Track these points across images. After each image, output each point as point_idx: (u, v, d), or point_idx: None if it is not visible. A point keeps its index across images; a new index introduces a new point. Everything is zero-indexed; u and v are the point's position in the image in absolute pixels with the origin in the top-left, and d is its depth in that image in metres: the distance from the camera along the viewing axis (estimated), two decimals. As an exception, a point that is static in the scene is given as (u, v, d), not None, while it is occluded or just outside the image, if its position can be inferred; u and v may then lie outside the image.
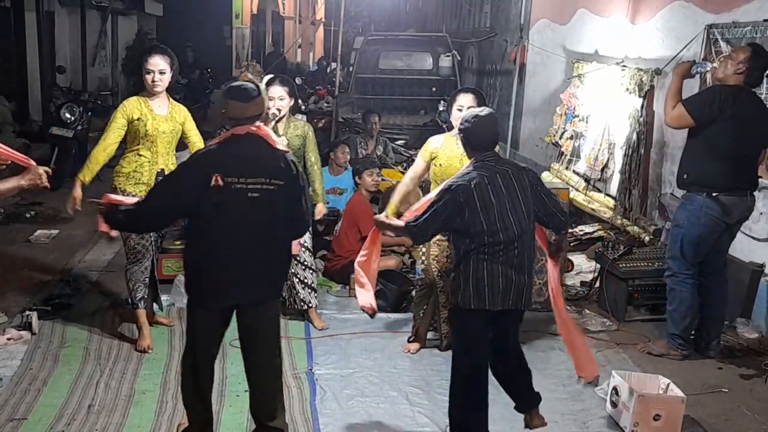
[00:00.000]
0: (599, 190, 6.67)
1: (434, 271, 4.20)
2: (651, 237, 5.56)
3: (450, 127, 4.19)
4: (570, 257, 5.16)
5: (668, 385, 3.62)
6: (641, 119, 5.89)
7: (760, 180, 4.32)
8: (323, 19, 22.42)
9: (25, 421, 3.39)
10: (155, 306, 4.58)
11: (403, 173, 7.49)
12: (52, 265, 5.65)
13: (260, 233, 2.93)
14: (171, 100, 4.28)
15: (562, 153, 7.29)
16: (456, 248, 3.22)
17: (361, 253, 3.53)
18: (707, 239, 4.23)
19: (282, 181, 2.94)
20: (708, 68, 4.32)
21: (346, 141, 7.47)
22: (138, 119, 4.08)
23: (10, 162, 3.24)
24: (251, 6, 16.08)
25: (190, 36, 15.99)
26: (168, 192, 3.03)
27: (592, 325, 4.83)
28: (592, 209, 6.53)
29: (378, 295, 5.00)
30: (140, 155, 4.13)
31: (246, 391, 3.67)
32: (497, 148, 3.48)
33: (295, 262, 4.46)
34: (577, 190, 6.80)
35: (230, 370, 3.91)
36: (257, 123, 2.99)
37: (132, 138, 4.13)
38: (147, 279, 4.25)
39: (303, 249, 4.45)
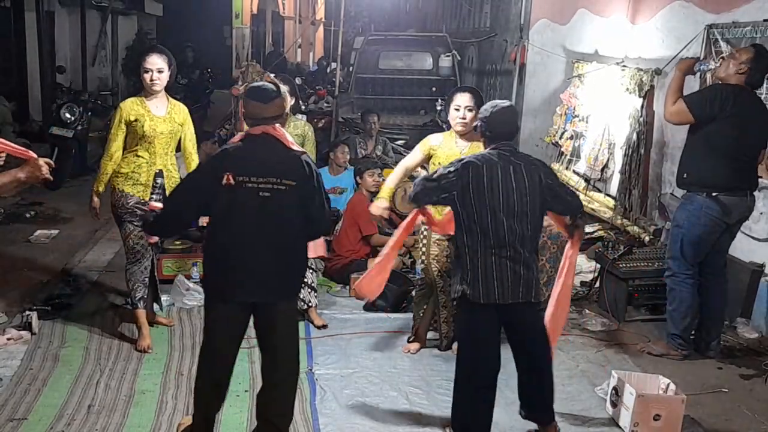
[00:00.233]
0: (599, 190, 6.67)
1: (434, 270, 4.20)
2: (651, 237, 5.56)
3: (449, 127, 4.19)
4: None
5: (668, 385, 3.62)
6: (641, 119, 5.89)
7: (760, 180, 4.32)
8: (323, 19, 22.40)
9: (25, 421, 3.39)
10: (155, 306, 4.58)
11: (403, 173, 7.51)
12: (52, 265, 5.65)
13: (272, 233, 2.94)
14: (171, 100, 4.27)
15: (562, 153, 7.28)
16: (460, 239, 3.19)
17: (384, 252, 3.54)
18: (707, 239, 4.23)
19: (294, 182, 2.94)
20: (711, 66, 4.32)
21: (345, 141, 7.47)
22: (135, 120, 4.08)
23: (5, 155, 3.19)
24: (251, 6, 16.05)
25: (190, 36, 15.97)
26: (186, 190, 3.13)
27: (592, 325, 4.83)
28: (592, 209, 6.52)
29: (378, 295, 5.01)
30: (138, 156, 4.13)
31: (246, 391, 3.69)
32: None
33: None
34: (577, 190, 6.79)
35: (230, 370, 3.91)
36: (275, 124, 3.02)
37: (130, 139, 4.13)
38: (146, 279, 4.25)
39: None
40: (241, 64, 8.48)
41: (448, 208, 3.38)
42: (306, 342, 4.42)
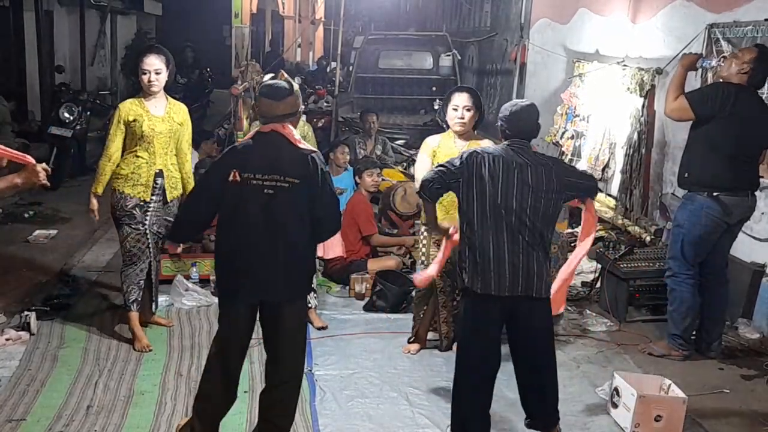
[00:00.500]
0: (600, 190, 6.62)
1: (434, 270, 4.18)
2: (652, 237, 5.55)
3: (449, 127, 4.17)
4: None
5: (669, 385, 3.61)
6: (642, 119, 5.87)
7: (761, 180, 4.31)
8: (323, 19, 22.41)
9: (23, 421, 3.38)
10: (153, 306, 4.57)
11: (403, 173, 7.51)
12: (50, 265, 5.64)
13: (277, 231, 2.94)
14: (170, 99, 4.25)
15: (563, 153, 7.26)
16: (461, 228, 3.18)
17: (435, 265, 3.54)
18: (708, 239, 4.22)
19: (297, 180, 2.94)
20: (713, 64, 4.31)
21: (345, 141, 7.46)
22: (134, 121, 4.06)
23: (6, 163, 3.19)
24: (251, 5, 16.04)
25: (190, 35, 15.96)
26: (199, 191, 3.16)
27: (593, 325, 4.82)
28: (593, 209, 6.51)
29: (378, 295, 5.01)
30: (138, 156, 4.11)
31: (246, 391, 3.68)
32: None
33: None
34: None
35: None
36: (287, 121, 3.02)
37: (130, 140, 4.12)
38: (141, 282, 4.23)
39: None
40: (240, 63, 8.46)
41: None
42: (306, 343, 4.40)
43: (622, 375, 3.65)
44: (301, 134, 4.52)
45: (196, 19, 18.97)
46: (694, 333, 4.43)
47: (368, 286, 5.19)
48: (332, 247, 3.28)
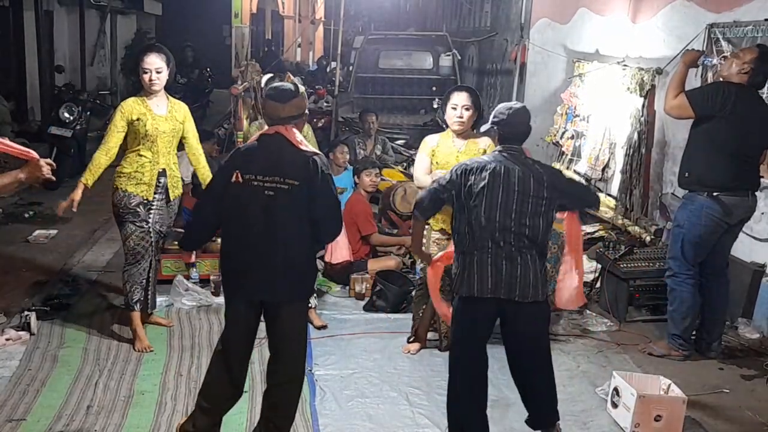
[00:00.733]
0: (600, 190, 6.65)
1: (434, 270, 4.19)
2: (652, 237, 5.55)
3: (448, 126, 4.17)
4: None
5: (669, 385, 3.61)
6: (642, 119, 5.87)
7: (761, 180, 4.30)
8: (323, 18, 22.40)
9: (23, 421, 3.38)
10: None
11: (403, 173, 7.51)
12: (50, 265, 5.64)
13: (277, 232, 2.95)
14: (170, 98, 4.25)
15: (563, 153, 7.27)
16: (454, 236, 3.24)
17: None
18: (708, 239, 4.22)
19: (297, 182, 2.95)
20: (714, 62, 4.30)
21: (345, 141, 7.46)
22: (137, 120, 4.05)
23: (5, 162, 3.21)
24: (251, 5, 16.04)
25: (190, 35, 15.98)
26: (208, 192, 3.19)
27: (593, 325, 4.82)
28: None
29: (378, 295, 5.01)
30: (141, 155, 4.11)
31: (246, 391, 3.66)
32: None
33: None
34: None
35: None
36: (292, 124, 3.04)
37: (132, 139, 4.11)
38: (144, 281, 4.23)
39: None
40: (240, 63, 8.45)
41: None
42: (306, 343, 4.40)
43: (622, 375, 3.65)
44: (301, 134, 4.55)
45: (196, 19, 18.97)
46: (694, 333, 4.43)
47: (368, 286, 5.19)
48: (339, 251, 3.27)
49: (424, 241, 4.20)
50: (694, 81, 4.97)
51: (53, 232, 6.44)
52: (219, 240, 3.20)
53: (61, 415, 3.45)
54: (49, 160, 3.20)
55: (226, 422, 3.39)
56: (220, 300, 4.75)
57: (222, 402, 3.15)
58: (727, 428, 3.65)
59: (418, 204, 3.28)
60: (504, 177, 3.11)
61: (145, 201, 4.12)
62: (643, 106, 5.87)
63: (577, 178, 6.92)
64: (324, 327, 4.62)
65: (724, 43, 5.03)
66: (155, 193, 4.14)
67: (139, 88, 4.21)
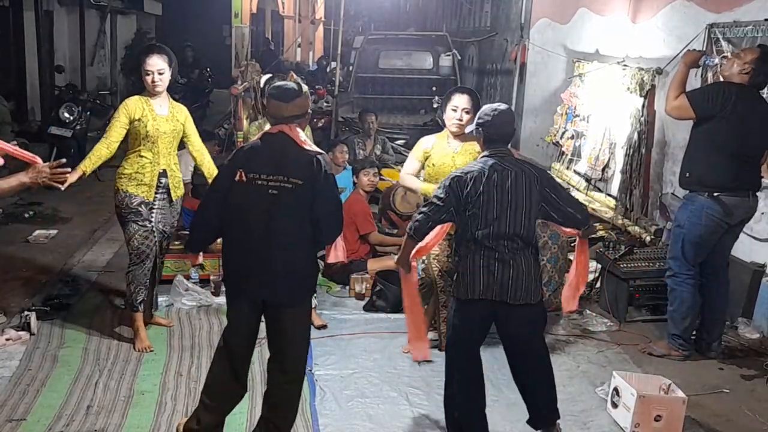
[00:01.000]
0: (600, 190, 6.65)
1: (435, 270, 4.19)
2: (652, 237, 5.55)
3: (445, 125, 4.18)
4: (571, 257, 5.14)
5: (669, 385, 3.61)
6: (642, 119, 5.87)
7: (762, 180, 4.30)
8: (323, 18, 22.39)
9: (24, 421, 3.38)
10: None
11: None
12: (50, 265, 5.63)
13: (280, 231, 2.95)
14: (171, 99, 4.25)
15: (563, 153, 7.27)
16: (456, 242, 3.25)
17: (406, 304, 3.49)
18: (708, 239, 4.22)
19: (300, 181, 2.95)
20: (716, 62, 4.30)
21: (344, 141, 7.46)
22: (139, 119, 4.05)
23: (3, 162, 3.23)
24: (251, 5, 16.04)
25: (190, 35, 15.97)
26: (212, 192, 3.16)
27: (593, 325, 4.82)
28: (593, 209, 6.50)
29: (378, 295, 5.01)
30: (142, 156, 4.10)
31: (246, 391, 3.66)
32: None
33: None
34: (578, 190, 6.78)
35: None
36: (295, 123, 3.03)
37: (133, 139, 4.11)
38: (148, 281, 4.23)
39: None
40: (240, 63, 8.46)
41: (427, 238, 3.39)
42: (308, 344, 4.40)
43: (622, 375, 3.65)
44: (300, 134, 4.55)
45: (196, 19, 18.97)
46: (694, 333, 4.43)
47: (368, 286, 5.19)
48: (334, 252, 3.26)
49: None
50: (694, 81, 4.97)
51: (53, 232, 6.44)
52: (220, 240, 3.19)
53: (61, 415, 3.45)
54: (62, 161, 3.24)
55: (226, 422, 3.39)
56: (220, 300, 4.76)
57: (226, 400, 3.15)
58: (727, 428, 3.65)
59: (415, 228, 3.20)
60: (498, 182, 3.11)
61: (147, 201, 4.12)
62: (643, 106, 5.86)
63: (576, 179, 6.92)
64: (324, 327, 4.62)
65: (724, 43, 5.03)
66: (156, 194, 4.14)
67: (140, 88, 4.20)
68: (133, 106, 4.07)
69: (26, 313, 4.38)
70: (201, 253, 3.60)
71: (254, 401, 3.55)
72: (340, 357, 4.23)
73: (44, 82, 10.26)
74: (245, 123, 6.93)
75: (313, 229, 3.01)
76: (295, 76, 4.09)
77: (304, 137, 3.09)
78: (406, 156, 8.67)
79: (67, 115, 8.35)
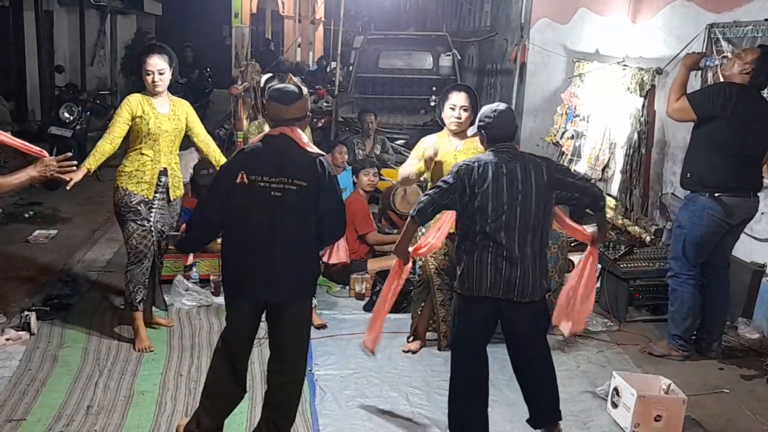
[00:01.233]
0: (600, 190, 6.65)
1: (431, 268, 4.20)
2: (652, 237, 5.54)
3: (444, 123, 4.17)
4: (571, 257, 5.14)
5: (669, 385, 3.61)
6: (642, 119, 5.87)
7: (763, 180, 4.30)
8: (323, 18, 22.40)
9: (23, 421, 3.38)
10: (155, 306, 4.55)
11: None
12: (50, 265, 5.63)
13: (283, 233, 2.95)
14: (171, 97, 4.25)
15: (563, 153, 7.26)
16: (459, 236, 3.23)
17: (381, 299, 3.50)
18: (709, 240, 4.22)
19: (305, 183, 2.95)
20: (716, 63, 4.30)
21: (343, 141, 7.46)
22: (140, 117, 4.05)
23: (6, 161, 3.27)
24: (251, 5, 16.07)
25: (190, 35, 15.97)
26: (210, 195, 3.13)
27: (593, 325, 4.82)
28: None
29: (378, 295, 4.99)
30: (143, 154, 4.10)
31: (246, 392, 3.66)
32: None
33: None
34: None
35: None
36: (296, 125, 3.03)
37: (134, 137, 4.11)
38: (147, 281, 4.22)
39: None
40: (240, 63, 8.44)
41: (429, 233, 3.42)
42: (308, 344, 4.40)
43: (622, 375, 3.65)
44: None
45: (196, 19, 18.97)
46: (694, 333, 4.43)
47: (368, 286, 5.19)
48: (336, 252, 3.26)
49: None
50: (694, 81, 4.97)
51: (53, 232, 6.44)
52: (219, 240, 3.18)
53: (61, 415, 3.45)
54: (68, 155, 3.26)
55: (226, 422, 3.39)
56: (220, 300, 4.75)
57: (226, 401, 3.15)
58: (727, 428, 3.65)
59: (418, 209, 3.20)
60: (506, 174, 3.10)
61: (146, 200, 4.12)
62: (643, 106, 5.87)
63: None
64: (324, 327, 4.62)
65: (724, 43, 5.03)
66: (156, 193, 4.14)
67: (140, 88, 4.21)
68: (135, 102, 4.07)
69: (26, 313, 4.38)
70: (191, 255, 3.60)
71: (254, 401, 3.55)
72: (340, 357, 4.23)
73: (44, 82, 10.26)
74: (245, 123, 6.92)
75: (317, 228, 3.01)
76: (294, 78, 4.07)
77: (307, 139, 3.09)
78: (406, 156, 8.67)
79: (67, 115, 8.34)
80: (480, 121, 3.30)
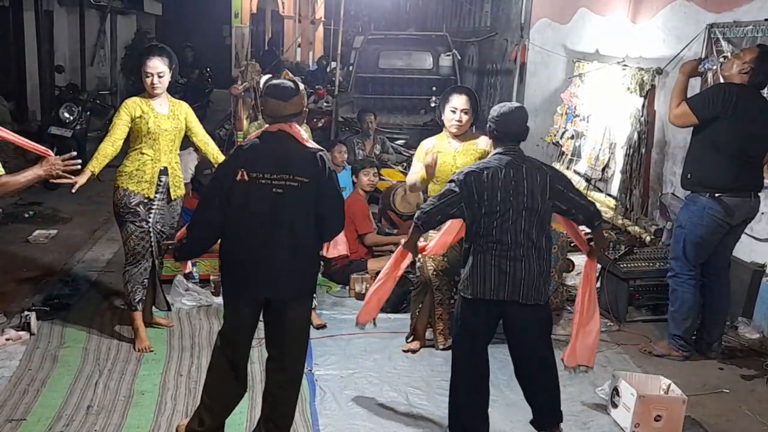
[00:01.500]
0: (600, 190, 6.65)
1: (430, 269, 4.20)
2: (652, 237, 5.55)
3: (443, 125, 4.17)
4: (571, 257, 5.15)
5: (669, 385, 3.61)
6: (642, 119, 5.87)
7: (764, 180, 4.30)
8: (323, 18, 22.40)
9: (24, 421, 3.38)
10: (155, 307, 4.55)
11: (403, 173, 7.51)
12: (50, 265, 5.63)
13: (285, 229, 2.95)
14: (171, 98, 4.26)
15: (563, 153, 7.27)
16: (467, 240, 3.23)
17: (380, 277, 3.50)
18: (710, 240, 4.22)
19: (306, 179, 2.95)
20: (714, 66, 4.30)
21: (343, 141, 7.46)
22: (140, 117, 4.06)
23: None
24: (251, 5, 16.07)
25: (190, 35, 15.98)
26: (210, 192, 3.11)
27: (592, 325, 4.81)
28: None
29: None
30: (143, 154, 4.10)
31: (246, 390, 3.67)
32: None
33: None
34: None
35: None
36: (294, 121, 3.03)
37: (135, 137, 4.11)
38: (146, 281, 4.23)
39: None
40: (240, 63, 8.45)
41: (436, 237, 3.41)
42: (308, 343, 4.40)
43: (622, 375, 3.65)
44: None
45: (196, 19, 18.97)
46: (694, 333, 4.43)
47: (368, 286, 5.18)
48: (335, 246, 3.26)
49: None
50: (694, 83, 4.97)
51: (53, 232, 6.44)
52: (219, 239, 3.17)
53: (61, 415, 3.45)
54: (73, 153, 3.27)
55: (226, 422, 3.39)
56: (220, 300, 4.73)
57: (227, 399, 3.15)
58: (727, 428, 3.65)
59: (424, 218, 3.18)
60: (514, 180, 3.10)
61: (146, 200, 4.12)
62: (643, 106, 5.87)
63: (576, 179, 6.92)
64: (323, 327, 4.62)
65: (724, 43, 5.03)
66: (156, 192, 4.14)
67: (140, 89, 4.21)
68: (133, 104, 4.09)
69: (26, 313, 4.38)
70: (189, 262, 3.58)
71: (254, 401, 3.55)
72: (340, 357, 4.23)
73: (44, 82, 10.25)
74: (245, 123, 6.93)
75: (318, 225, 3.01)
76: (290, 74, 4.07)
77: (306, 135, 3.09)
78: (406, 156, 8.70)
79: (67, 115, 8.34)
80: (491, 118, 3.29)
